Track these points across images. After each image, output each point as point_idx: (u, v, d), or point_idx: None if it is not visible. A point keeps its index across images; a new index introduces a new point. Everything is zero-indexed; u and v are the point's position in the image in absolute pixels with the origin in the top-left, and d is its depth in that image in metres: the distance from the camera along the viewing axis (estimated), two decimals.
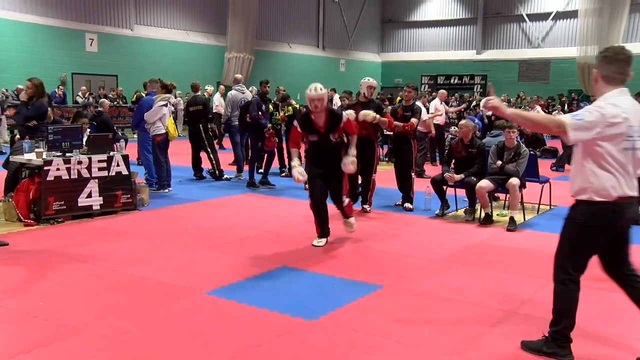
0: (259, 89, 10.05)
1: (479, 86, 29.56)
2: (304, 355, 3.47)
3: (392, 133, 8.05)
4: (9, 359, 3.33)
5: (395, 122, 7.74)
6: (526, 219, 7.26)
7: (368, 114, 6.96)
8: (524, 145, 7.29)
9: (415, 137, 8.20)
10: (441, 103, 12.84)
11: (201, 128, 10.16)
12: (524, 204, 7.32)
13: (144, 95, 10.67)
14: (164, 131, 8.89)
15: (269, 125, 9.62)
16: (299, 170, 5.78)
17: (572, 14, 27.16)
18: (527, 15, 29.11)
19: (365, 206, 7.73)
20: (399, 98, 19.18)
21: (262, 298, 4.37)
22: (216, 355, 3.43)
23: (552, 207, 8.06)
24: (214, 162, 10.26)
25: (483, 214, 7.08)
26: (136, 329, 3.78)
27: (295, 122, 6.05)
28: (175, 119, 11.25)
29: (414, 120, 7.75)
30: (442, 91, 13.45)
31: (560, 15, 28.15)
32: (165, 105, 8.93)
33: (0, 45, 17.88)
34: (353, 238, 6.18)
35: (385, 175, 9.47)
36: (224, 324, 3.90)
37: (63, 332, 3.70)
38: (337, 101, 14.34)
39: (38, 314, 4.00)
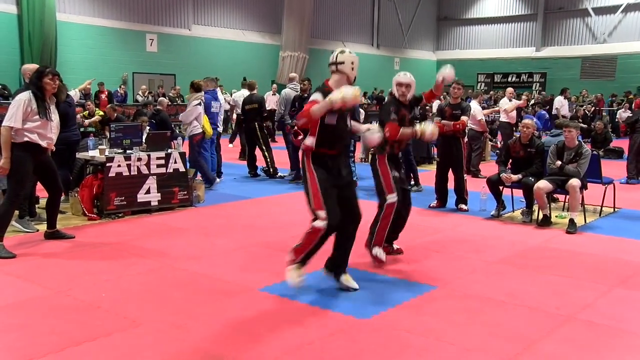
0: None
1: (538, 84, 28.69)
2: (356, 354, 3.47)
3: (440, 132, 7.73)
4: (76, 346, 3.50)
5: (444, 121, 7.59)
6: (587, 222, 7.00)
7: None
8: (585, 145, 7.03)
9: (466, 136, 8.00)
10: (510, 101, 12.58)
11: (257, 126, 10.30)
12: (585, 206, 7.06)
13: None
14: (200, 130, 9.04)
15: (292, 122, 9.53)
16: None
17: None
18: (592, 9, 28.01)
19: (462, 205, 7.64)
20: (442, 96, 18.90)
21: (314, 296, 4.40)
22: (268, 352, 3.48)
23: (616, 209, 7.73)
24: (268, 160, 10.39)
25: (541, 216, 6.87)
26: (191, 323, 3.88)
27: (315, 95, 4.32)
28: (229, 117, 11.48)
29: (464, 118, 7.57)
30: (509, 89, 13.15)
31: (632, 8, 26.88)
32: (199, 104, 9.08)
33: (68, 47, 18.76)
34: (406, 238, 6.13)
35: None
36: (276, 320, 3.95)
37: (123, 323, 3.85)
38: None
39: (101, 304, 4.17)
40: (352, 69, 4.37)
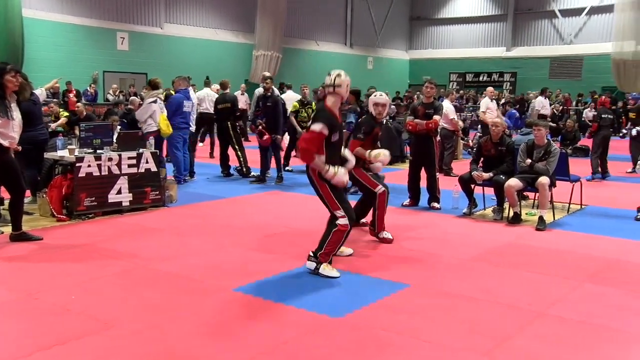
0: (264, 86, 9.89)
1: (509, 84, 29.13)
2: (331, 353, 3.48)
3: (413, 131, 7.83)
4: (45, 350, 3.42)
5: (417, 120, 7.65)
6: (556, 219, 7.14)
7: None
8: (554, 144, 7.17)
9: (438, 135, 8.08)
10: (492, 101, 12.78)
11: (229, 125, 10.24)
12: (554, 203, 7.20)
13: (173, 93, 10.79)
14: (155, 128, 8.96)
15: (258, 122, 9.51)
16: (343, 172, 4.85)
17: (608, 9, 26.52)
18: (559, 11, 28.56)
19: (435, 203, 7.70)
20: (416, 95, 19.10)
21: (289, 295, 4.39)
22: (243, 352, 3.46)
23: (583, 206, 7.90)
24: (241, 159, 10.33)
25: (512, 213, 6.98)
26: (164, 324, 3.83)
27: (320, 126, 4.67)
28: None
29: (436, 117, 7.63)
30: (489, 88, 13.35)
31: (595, 10, 27.51)
32: (155, 102, 9.01)
33: (36, 45, 18.29)
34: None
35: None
36: (251, 320, 3.93)
37: (95, 326, 3.78)
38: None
39: (71, 307, 4.09)
40: (347, 90, 4.91)
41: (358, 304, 4.22)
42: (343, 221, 4.80)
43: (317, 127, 4.64)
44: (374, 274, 4.95)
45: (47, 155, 7.37)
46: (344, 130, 8.33)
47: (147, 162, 7.32)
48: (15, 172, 5.66)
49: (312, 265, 4.89)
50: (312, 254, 4.92)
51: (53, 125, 10.37)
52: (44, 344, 3.50)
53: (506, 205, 7.16)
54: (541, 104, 16.73)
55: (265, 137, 9.35)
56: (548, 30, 29.32)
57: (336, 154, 4.88)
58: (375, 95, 6.24)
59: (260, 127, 9.42)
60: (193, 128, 10.23)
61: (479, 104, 24.07)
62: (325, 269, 4.84)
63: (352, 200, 5.80)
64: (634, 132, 10.52)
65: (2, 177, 5.62)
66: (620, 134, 18.44)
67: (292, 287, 4.61)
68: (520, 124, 16.47)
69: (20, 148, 6.30)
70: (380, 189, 5.97)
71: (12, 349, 3.42)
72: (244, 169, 10.31)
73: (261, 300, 4.29)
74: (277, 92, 11.23)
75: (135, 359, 3.36)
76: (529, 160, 6.94)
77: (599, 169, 10.56)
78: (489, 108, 12.36)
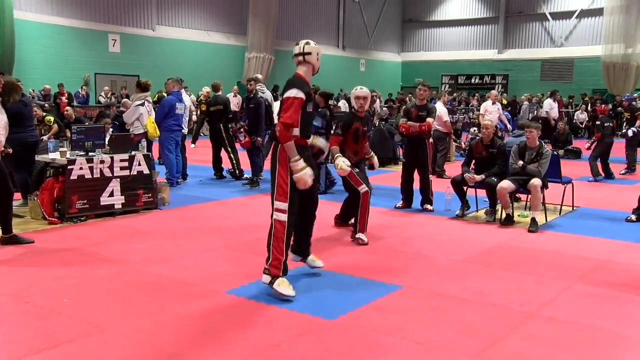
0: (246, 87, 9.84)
1: (500, 86, 29.26)
2: (323, 355, 3.47)
3: (406, 134, 7.87)
4: (35, 354, 3.40)
5: (410, 122, 7.67)
6: (548, 220, 7.17)
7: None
8: (546, 146, 7.21)
9: (431, 137, 8.11)
10: (493, 104, 12.86)
11: (222, 128, 10.22)
12: (546, 205, 7.23)
13: (165, 95, 10.77)
14: (142, 131, 8.94)
15: (241, 123, 9.48)
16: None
17: (597, 12, 26.75)
18: (550, 13, 28.76)
19: (427, 205, 7.71)
20: (409, 97, 19.18)
21: (281, 298, 4.38)
22: (235, 355, 3.45)
23: (574, 208, 7.95)
24: (234, 161, 10.31)
25: (504, 215, 7.01)
26: (157, 327, 3.82)
27: (295, 91, 4.40)
28: (190, 118, 11.35)
29: (430, 120, 7.66)
30: (493, 92, 13.48)
31: (585, 14, 27.75)
32: (142, 104, 8.99)
33: (26, 47, 18.19)
34: (373, 238, 6.17)
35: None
36: (244, 323, 3.92)
37: (86, 329, 3.76)
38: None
39: (62, 310, 4.07)
40: (317, 59, 4.63)
41: (352, 306, 4.22)
42: (363, 188, 4.79)
43: (292, 92, 4.29)
44: (367, 276, 4.95)
45: (38, 157, 7.33)
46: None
47: (139, 165, 7.29)
48: (3, 174, 5.61)
49: (267, 278, 4.40)
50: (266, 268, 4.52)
51: (45, 138, 10.29)
52: (34, 347, 3.47)
53: (499, 207, 7.19)
54: (550, 106, 16.53)
55: (246, 139, 9.34)
56: (539, 32, 29.51)
57: (308, 128, 4.52)
58: (356, 89, 6.27)
59: (241, 129, 9.42)
60: (185, 130, 10.22)
61: (471, 106, 24.22)
62: (280, 286, 4.31)
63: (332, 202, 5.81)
64: (630, 132, 10.61)
65: None
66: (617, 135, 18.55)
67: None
68: (513, 126, 16.51)
69: (10, 150, 6.26)
70: (363, 188, 5.95)
71: (2, 354, 3.39)
72: (237, 171, 10.29)
73: (254, 303, 4.28)
74: (268, 93, 11.22)
75: None
76: (521, 162, 6.97)
77: (601, 172, 10.74)
78: (487, 110, 12.47)
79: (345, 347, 3.57)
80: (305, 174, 4.32)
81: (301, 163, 4.32)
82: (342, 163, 5.74)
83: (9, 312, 4.04)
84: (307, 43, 4.64)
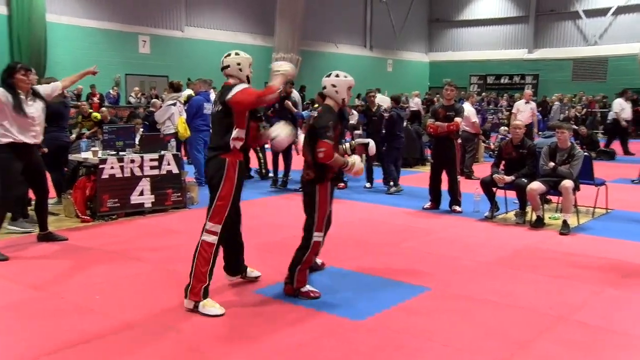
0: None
1: (530, 86, 28.82)
2: (349, 355, 3.47)
3: (433, 134, 7.81)
4: (69, 348, 3.48)
5: (437, 123, 7.62)
6: (580, 223, 7.04)
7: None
8: (578, 147, 7.08)
9: (459, 137, 8.04)
10: (526, 103, 12.69)
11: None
12: (578, 207, 7.10)
13: (193, 95, 10.89)
14: (173, 130, 9.04)
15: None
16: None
17: (635, 9, 26.10)
18: (583, 11, 28.20)
19: (456, 206, 7.65)
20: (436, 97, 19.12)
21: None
22: (261, 353, 3.47)
23: (608, 210, 7.78)
24: (261, 161, 10.37)
25: (534, 217, 6.90)
26: (185, 324, 3.87)
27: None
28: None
29: (458, 119, 7.60)
30: (527, 91, 13.29)
31: (622, 10, 27.10)
32: (174, 104, 9.09)
33: (59, 49, 18.64)
34: (400, 239, 6.14)
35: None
36: (270, 322, 3.95)
37: (117, 325, 3.83)
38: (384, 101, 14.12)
39: (94, 307, 4.15)
40: (248, 69, 4.53)
41: (379, 307, 4.21)
42: (211, 238, 4.12)
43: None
44: (394, 277, 4.93)
45: (71, 157, 7.50)
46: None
47: (168, 164, 7.39)
48: (41, 173, 5.78)
49: (189, 304, 4.07)
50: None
51: (88, 133, 10.50)
52: (67, 342, 3.56)
53: (529, 208, 7.09)
54: (620, 106, 14.76)
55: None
56: (571, 31, 28.97)
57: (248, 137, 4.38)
58: (349, 77, 4.52)
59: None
60: None
61: (500, 106, 23.89)
62: (206, 307, 4.03)
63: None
64: None
65: (28, 178, 5.72)
66: None
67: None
68: (542, 127, 16.24)
69: (46, 150, 6.44)
70: (319, 236, 4.45)
71: (37, 347, 3.48)
72: (263, 171, 10.36)
73: (281, 302, 4.30)
74: (295, 93, 11.25)
75: (154, 358, 3.39)
76: (552, 164, 6.86)
77: None
78: (519, 110, 12.35)
79: (371, 348, 3.56)
80: (358, 165, 4.34)
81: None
82: (359, 163, 4.47)
83: (45, 307, 4.14)
84: (237, 54, 4.49)
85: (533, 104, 13.28)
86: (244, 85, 4.21)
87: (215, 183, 4.11)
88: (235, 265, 4.64)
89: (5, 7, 17.81)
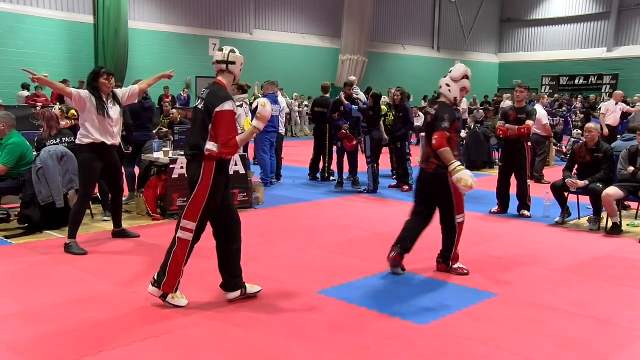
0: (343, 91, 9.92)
1: (608, 86, 27.44)
2: (412, 359, 3.43)
3: (503, 136, 7.58)
4: (140, 341, 3.62)
5: (508, 125, 7.41)
6: None
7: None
8: None
9: (530, 140, 7.78)
10: (616, 104, 12.21)
11: (327, 127, 10.31)
12: None
13: (260, 96, 11.06)
14: (239, 131, 9.15)
15: (345, 125, 9.48)
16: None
17: None
18: None
19: (524, 211, 7.46)
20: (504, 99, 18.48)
21: (372, 299, 4.37)
22: (325, 355, 3.48)
23: None
24: (326, 163, 10.42)
25: (610, 223, 6.57)
26: (249, 323, 3.93)
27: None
28: (289, 119, 11.57)
29: (529, 122, 7.36)
30: (617, 92, 12.77)
31: None
32: (240, 105, 9.20)
33: (137, 53, 19.56)
34: (467, 243, 5.99)
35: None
36: (334, 323, 3.95)
37: (185, 321, 3.94)
38: None
39: (163, 302, 4.29)
40: (240, 69, 4.55)
41: (443, 312, 4.13)
42: (186, 235, 4.28)
43: (228, 106, 4.30)
44: (460, 282, 4.82)
45: (143, 156, 7.80)
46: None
47: (235, 164, 7.55)
48: (117, 172, 6.05)
49: (156, 292, 4.21)
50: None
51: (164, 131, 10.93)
52: (140, 335, 3.70)
53: (603, 214, 6.75)
54: (605, 108, 14.68)
55: (354, 142, 9.44)
56: None
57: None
58: (468, 71, 5.06)
59: (346, 132, 9.48)
60: (283, 131, 10.47)
61: (574, 107, 22.88)
62: (174, 299, 4.20)
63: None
64: None
65: (105, 176, 6.00)
66: None
67: (376, 291, 4.59)
68: (621, 129, 15.40)
69: (130, 150, 6.85)
70: (461, 217, 4.97)
71: (114, 338, 3.64)
72: (325, 173, 10.41)
73: (345, 304, 4.30)
74: (361, 94, 11.23)
75: (221, 354, 3.47)
76: (631, 168, 6.51)
77: None
78: (608, 110, 11.87)
79: (435, 353, 3.50)
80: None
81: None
82: (470, 178, 4.56)
83: (119, 301, 4.32)
84: (232, 51, 4.47)
85: (622, 105, 12.69)
86: (231, 107, 4.33)
87: (192, 182, 4.27)
88: (234, 280, 4.32)
89: (92, 16, 18.96)
